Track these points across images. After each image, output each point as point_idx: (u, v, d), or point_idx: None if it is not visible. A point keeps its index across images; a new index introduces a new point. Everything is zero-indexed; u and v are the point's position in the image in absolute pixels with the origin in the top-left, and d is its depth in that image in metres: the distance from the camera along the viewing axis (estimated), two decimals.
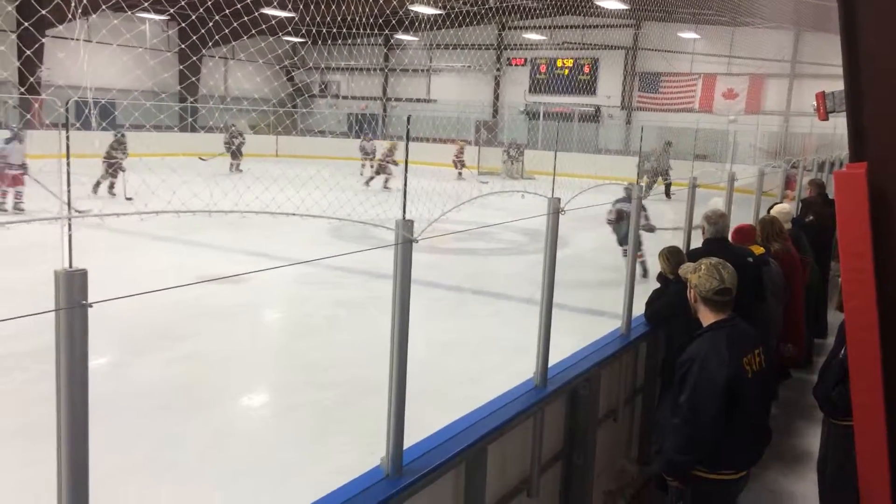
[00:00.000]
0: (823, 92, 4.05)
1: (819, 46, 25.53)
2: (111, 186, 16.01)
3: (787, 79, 27.70)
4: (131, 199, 14.43)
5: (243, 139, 23.00)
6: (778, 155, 18.72)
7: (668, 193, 18.33)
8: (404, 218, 2.55)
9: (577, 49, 30.70)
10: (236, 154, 22.52)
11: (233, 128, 23.21)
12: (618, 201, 10.41)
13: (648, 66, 30.05)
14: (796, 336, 6.21)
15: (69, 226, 1.64)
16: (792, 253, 6.10)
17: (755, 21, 22.57)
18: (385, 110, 36.28)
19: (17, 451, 4.55)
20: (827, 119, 4.20)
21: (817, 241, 7.32)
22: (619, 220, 10.33)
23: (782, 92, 28.02)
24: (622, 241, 10.56)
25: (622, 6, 23.00)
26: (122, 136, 15.89)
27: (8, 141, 14.20)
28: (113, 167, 15.65)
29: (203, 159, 17.73)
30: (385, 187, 19.38)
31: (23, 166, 13.96)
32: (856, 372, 3.64)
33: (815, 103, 4.15)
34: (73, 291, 1.63)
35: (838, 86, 3.59)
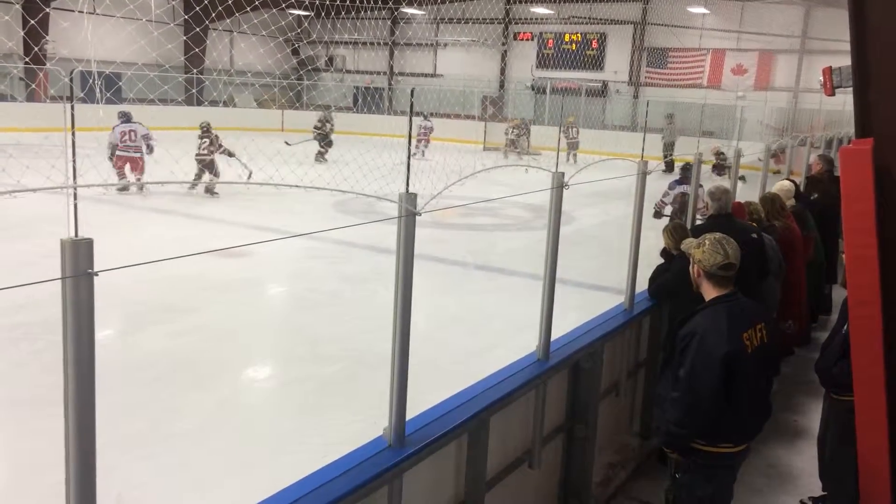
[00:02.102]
0: (830, 67, 4.02)
1: (830, 22, 25.22)
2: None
3: (796, 54, 27.42)
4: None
5: (332, 125, 20.42)
6: (786, 132, 18.59)
7: (671, 168, 18.25)
8: (408, 191, 2.56)
9: (584, 24, 30.41)
10: (325, 141, 19.86)
11: (324, 112, 20.84)
12: (675, 184, 8.88)
13: (657, 42, 29.76)
14: (797, 313, 6.23)
15: (74, 195, 1.65)
16: (792, 230, 6.09)
17: None
18: (391, 85, 36.07)
19: (27, 420, 4.61)
20: (833, 94, 4.18)
21: (822, 217, 7.31)
22: (683, 210, 8.15)
23: (792, 68, 27.76)
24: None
25: None
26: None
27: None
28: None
29: (289, 144, 16.82)
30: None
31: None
32: (857, 347, 3.66)
33: (821, 79, 4.12)
34: (79, 260, 1.64)
35: (848, 62, 3.57)
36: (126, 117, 13.93)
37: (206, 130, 13.89)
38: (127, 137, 13.76)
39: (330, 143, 19.65)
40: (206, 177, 13.46)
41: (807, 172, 9.44)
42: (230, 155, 13.47)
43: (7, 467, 4.31)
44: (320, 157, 19.33)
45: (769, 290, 5.40)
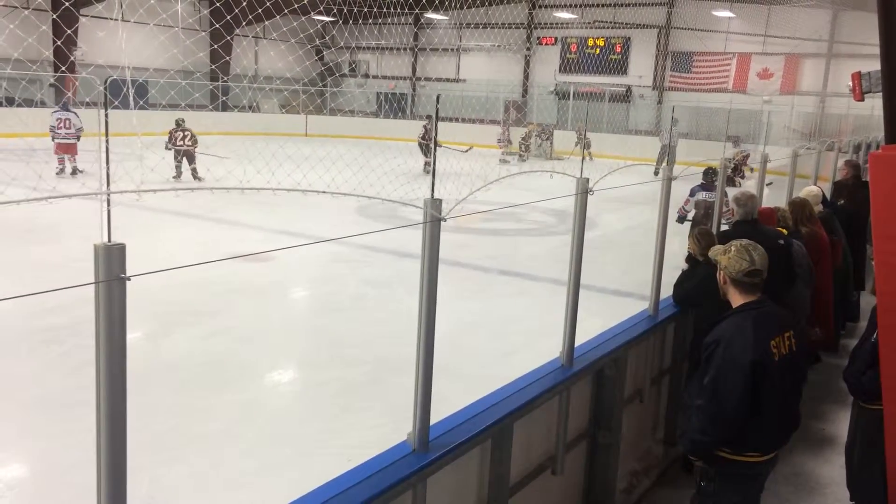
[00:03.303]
0: (860, 72, 3.98)
1: (857, 26, 24.95)
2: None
3: (823, 58, 27.12)
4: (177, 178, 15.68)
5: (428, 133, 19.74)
6: (813, 136, 18.40)
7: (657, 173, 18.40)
8: (433, 197, 2.57)
9: (608, 28, 30.33)
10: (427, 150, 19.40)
11: (428, 119, 20.25)
12: (697, 189, 8.87)
13: (681, 46, 29.59)
14: (824, 319, 6.15)
15: (108, 201, 1.68)
16: (819, 236, 6.02)
17: (791, 0, 22.12)
18: (414, 90, 36.18)
19: (57, 421, 4.69)
20: (863, 100, 4.14)
21: (849, 223, 7.22)
22: (706, 216, 8.31)
23: (819, 72, 27.46)
24: None
25: None
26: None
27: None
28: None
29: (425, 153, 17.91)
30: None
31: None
32: (886, 356, 3.61)
33: (850, 83, 4.08)
34: (112, 265, 1.66)
35: (876, 66, 3.53)
36: (64, 105, 15.78)
37: (181, 126, 16.14)
38: (62, 124, 15.57)
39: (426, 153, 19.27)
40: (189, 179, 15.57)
41: (835, 178, 9.33)
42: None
43: (38, 467, 4.38)
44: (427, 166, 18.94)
45: (798, 296, 5.34)
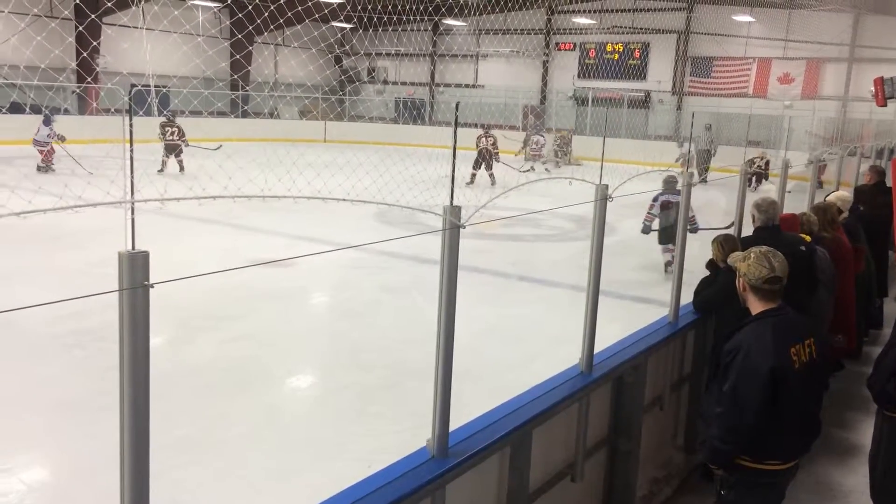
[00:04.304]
0: (882, 77, 3.95)
1: (880, 29, 24.71)
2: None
3: (845, 63, 26.85)
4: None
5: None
6: (835, 142, 18.24)
7: (703, 178, 18.56)
8: (452, 204, 2.58)
9: (627, 33, 30.24)
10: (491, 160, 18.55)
11: (484, 129, 19.09)
12: (660, 195, 9.37)
13: (701, 51, 29.42)
14: (847, 327, 6.09)
15: (132, 209, 1.70)
16: (841, 242, 5.96)
17: (812, 3, 21.93)
18: (433, 96, 36.27)
19: (80, 425, 4.75)
20: (885, 105, 4.11)
21: (870, 229, 7.14)
22: (665, 209, 9.31)
23: (840, 76, 27.19)
24: (668, 238, 9.24)
25: None
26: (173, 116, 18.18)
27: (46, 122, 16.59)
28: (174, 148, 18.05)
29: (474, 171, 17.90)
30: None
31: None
32: None
33: (872, 89, 4.05)
34: (135, 272, 1.69)
35: None
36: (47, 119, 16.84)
37: (171, 120, 17.62)
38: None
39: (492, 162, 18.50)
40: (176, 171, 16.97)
41: (857, 183, 9.24)
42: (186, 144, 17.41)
43: (61, 470, 4.44)
44: (493, 179, 18.17)
45: (820, 303, 5.29)
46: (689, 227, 7.19)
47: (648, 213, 9.57)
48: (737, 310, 3.39)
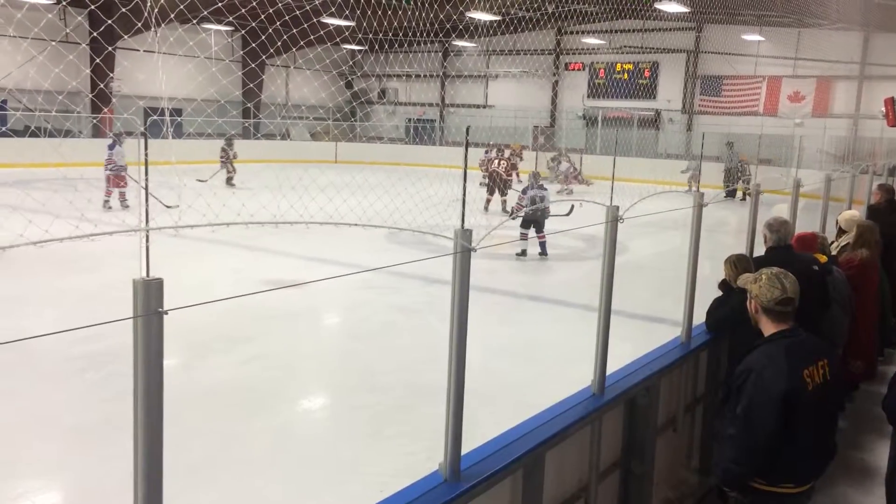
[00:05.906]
0: (893, 98, 3.95)
1: (889, 47, 24.69)
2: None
3: (856, 81, 26.82)
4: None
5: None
6: (846, 160, 18.17)
7: (740, 194, 19.85)
8: (463, 227, 2.59)
9: (636, 53, 30.34)
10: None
11: (498, 150, 18.84)
12: (528, 189, 11.87)
13: (710, 70, 29.47)
14: (867, 352, 6.01)
15: (146, 237, 1.73)
16: (874, 265, 5.92)
17: (822, 22, 21.96)
18: (443, 117, 36.44)
19: (93, 447, 4.76)
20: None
21: (885, 248, 7.09)
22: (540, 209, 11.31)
23: (851, 94, 27.13)
24: (527, 224, 11.44)
25: (683, 9, 22.64)
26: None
27: (111, 146, 15.71)
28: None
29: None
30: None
31: (124, 168, 15.52)
32: None
33: (883, 109, 4.04)
34: (150, 299, 1.71)
35: None
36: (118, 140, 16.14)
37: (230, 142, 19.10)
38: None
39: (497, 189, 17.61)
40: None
41: (869, 201, 9.19)
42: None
43: (74, 494, 4.44)
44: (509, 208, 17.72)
45: (834, 321, 5.24)
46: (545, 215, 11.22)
47: (519, 203, 12.19)
48: (750, 330, 3.37)
